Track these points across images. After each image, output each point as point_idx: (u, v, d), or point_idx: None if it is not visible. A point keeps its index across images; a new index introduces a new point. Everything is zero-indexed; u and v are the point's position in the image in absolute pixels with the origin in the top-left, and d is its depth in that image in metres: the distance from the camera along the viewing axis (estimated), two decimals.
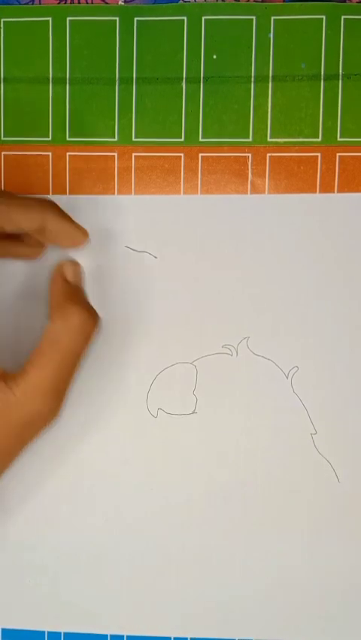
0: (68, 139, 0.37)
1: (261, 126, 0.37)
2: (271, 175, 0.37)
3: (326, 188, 0.37)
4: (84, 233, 0.35)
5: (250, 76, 0.37)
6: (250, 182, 0.37)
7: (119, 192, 0.37)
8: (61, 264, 0.36)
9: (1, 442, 0.32)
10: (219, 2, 0.37)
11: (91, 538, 0.38)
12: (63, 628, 0.38)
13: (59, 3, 0.37)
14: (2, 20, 0.37)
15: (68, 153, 0.37)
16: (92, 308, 0.34)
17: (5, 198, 0.33)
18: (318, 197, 0.37)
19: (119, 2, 0.37)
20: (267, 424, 0.37)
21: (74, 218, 0.35)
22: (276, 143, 0.37)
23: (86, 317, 0.33)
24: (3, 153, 0.38)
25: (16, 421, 0.32)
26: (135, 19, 0.37)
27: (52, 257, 0.37)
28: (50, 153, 0.38)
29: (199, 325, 0.37)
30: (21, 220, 0.33)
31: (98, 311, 0.34)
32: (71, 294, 0.35)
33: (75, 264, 0.37)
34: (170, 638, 0.38)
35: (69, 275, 0.36)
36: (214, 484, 0.37)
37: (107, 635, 0.38)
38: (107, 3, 0.37)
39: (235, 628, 0.37)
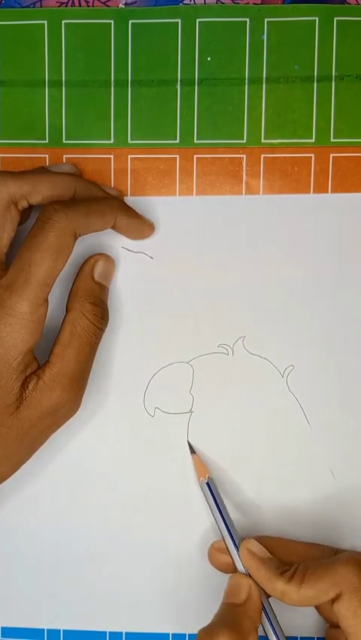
0: (64, 141, 0.38)
1: (255, 127, 0.37)
2: (266, 176, 0.37)
3: (320, 188, 0.37)
4: (150, 226, 0.37)
5: (244, 78, 0.37)
6: (245, 182, 0.37)
7: None
8: (94, 259, 0.36)
9: (27, 431, 0.33)
10: (213, 5, 0.37)
11: (89, 536, 0.38)
12: (62, 625, 0.38)
13: (59, 6, 0.37)
14: None
15: (64, 156, 0.38)
16: (105, 307, 0.35)
17: (82, 208, 0.33)
18: (312, 197, 0.37)
19: (120, 5, 0.37)
20: (263, 423, 0.37)
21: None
22: (270, 144, 0.37)
23: (99, 317, 0.35)
24: (0, 155, 0.38)
25: (40, 411, 0.33)
26: (130, 21, 0.37)
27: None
28: (46, 156, 0.38)
29: (195, 325, 0.38)
30: (97, 226, 0.34)
31: None
32: (91, 291, 0.35)
33: (107, 264, 0.36)
34: (168, 634, 0.38)
35: (97, 274, 0.36)
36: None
37: (105, 632, 0.38)
38: (107, 6, 0.37)
39: None
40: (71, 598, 0.38)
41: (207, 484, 0.36)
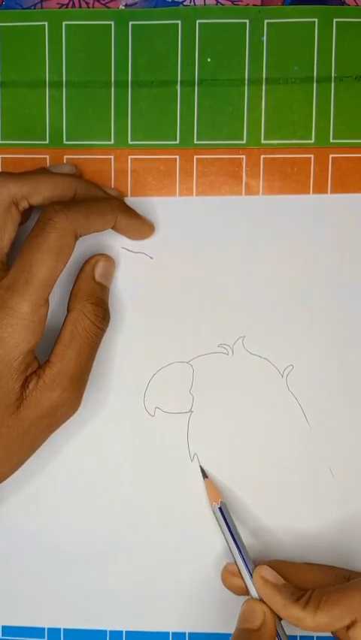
0: (65, 142, 0.38)
1: (255, 128, 0.37)
2: (265, 176, 0.37)
3: (320, 189, 0.37)
4: (150, 226, 0.37)
5: (244, 79, 0.37)
6: (245, 183, 0.37)
7: None
8: (94, 260, 0.36)
9: (28, 431, 0.33)
10: (213, 6, 0.37)
11: (90, 535, 0.38)
12: (63, 624, 0.39)
13: (60, 7, 0.38)
14: None
15: (65, 156, 0.38)
16: (106, 307, 0.36)
17: (83, 208, 0.33)
18: (311, 197, 0.37)
19: (121, 6, 0.37)
20: (262, 422, 0.38)
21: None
22: (270, 144, 0.37)
23: (101, 317, 0.35)
24: (1, 156, 0.38)
25: (40, 410, 0.33)
26: (130, 23, 0.37)
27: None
28: (47, 156, 0.38)
29: (195, 325, 0.38)
30: (98, 226, 0.34)
31: None
32: (92, 292, 0.35)
33: (107, 264, 0.37)
34: (168, 633, 0.38)
35: (97, 274, 0.36)
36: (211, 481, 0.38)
37: (106, 631, 0.38)
38: (108, 7, 0.37)
39: (233, 622, 0.38)
40: (71, 597, 0.38)
41: (220, 509, 0.36)
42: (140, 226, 0.37)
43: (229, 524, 0.36)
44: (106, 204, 0.35)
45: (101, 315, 0.35)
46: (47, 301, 0.33)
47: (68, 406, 0.34)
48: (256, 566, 0.35)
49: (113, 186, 0.38)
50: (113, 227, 0.36)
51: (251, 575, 0.35)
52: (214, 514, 0.36)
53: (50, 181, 0.34)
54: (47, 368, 0.34)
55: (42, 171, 0.36)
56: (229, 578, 0.36)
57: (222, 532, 0.36)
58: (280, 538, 0.38)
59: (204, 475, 0.37)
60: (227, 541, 0.36)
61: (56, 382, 0.33)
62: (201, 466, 0.37)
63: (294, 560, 0.37)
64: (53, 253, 0.32)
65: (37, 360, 0.34)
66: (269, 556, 0.37)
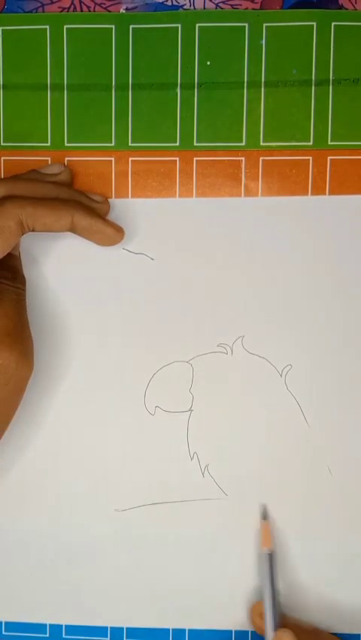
0: (66, 144, 0.38)
1: (254, 131, 0.38)
2: (264, 178, 0.38)
3: (318, 190, 0.38)
4: (118, 230, 0.35)
5: (243, 82, 0.37)
6: (244, 185, 0.38)
7: (117, 196, 0.38)
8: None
9: None
10: (213, 10, 0.37)
11: (91, 533, 0.38)
12: (65, 621, 0.39)
13: (61, 11, 0.38)
14: (1, 29, 0.38)
15: (66, 158, 0.38)
16: (15, 270, 0.36)
17: (33, 201, 0.33)
18: (310, 199, 0.38)
19: (121, 10, 0.38)
20: (261, 421, 0.38)
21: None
22: (268, 147, 0.38)
23: (11, 278, 0.35)
24: (3, 158, 0.38)
25: None
26: (131, 26, 0.37)
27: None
28: (48, 158, 0.38)
29: (195, 325, 0.38)
30: (49, 219, 0.33)
31: (97, 312, 0.36)
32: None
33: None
34: (168, 629, 0.38)
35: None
36: (210, 479, 0.38)
37: (107, 628, 0.39)
38: (109, 11, 0.38)
39: (233, 620, 0.38)
40: (72, 593, 0.39)
41: (269, 555, 0.37)
42: (102, 228, 0.35)
43: (273, 573, 0.36)
44: (60, 201, 0.34)
45: (10, 277, 0.35)
46: None
47: (14, 364, 0.33)
48: (281, 616, 0.36)
49: (113, 188, 0.38)
50: (75, 231, 0.35)
51: (274, 627, 0.36)
52: (260, 558, 0.37)
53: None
54: None
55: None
56: (256, 618, 0.37)
57: (261, 577, 0.37)
58: (277, 535, 0.38)
59: (265, 516, 0.37)
60: (263, 587, 0.36)
61: None
62: (264, 505, 0.38)
63: (294, 558, 0.37)
64: None
65: None
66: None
